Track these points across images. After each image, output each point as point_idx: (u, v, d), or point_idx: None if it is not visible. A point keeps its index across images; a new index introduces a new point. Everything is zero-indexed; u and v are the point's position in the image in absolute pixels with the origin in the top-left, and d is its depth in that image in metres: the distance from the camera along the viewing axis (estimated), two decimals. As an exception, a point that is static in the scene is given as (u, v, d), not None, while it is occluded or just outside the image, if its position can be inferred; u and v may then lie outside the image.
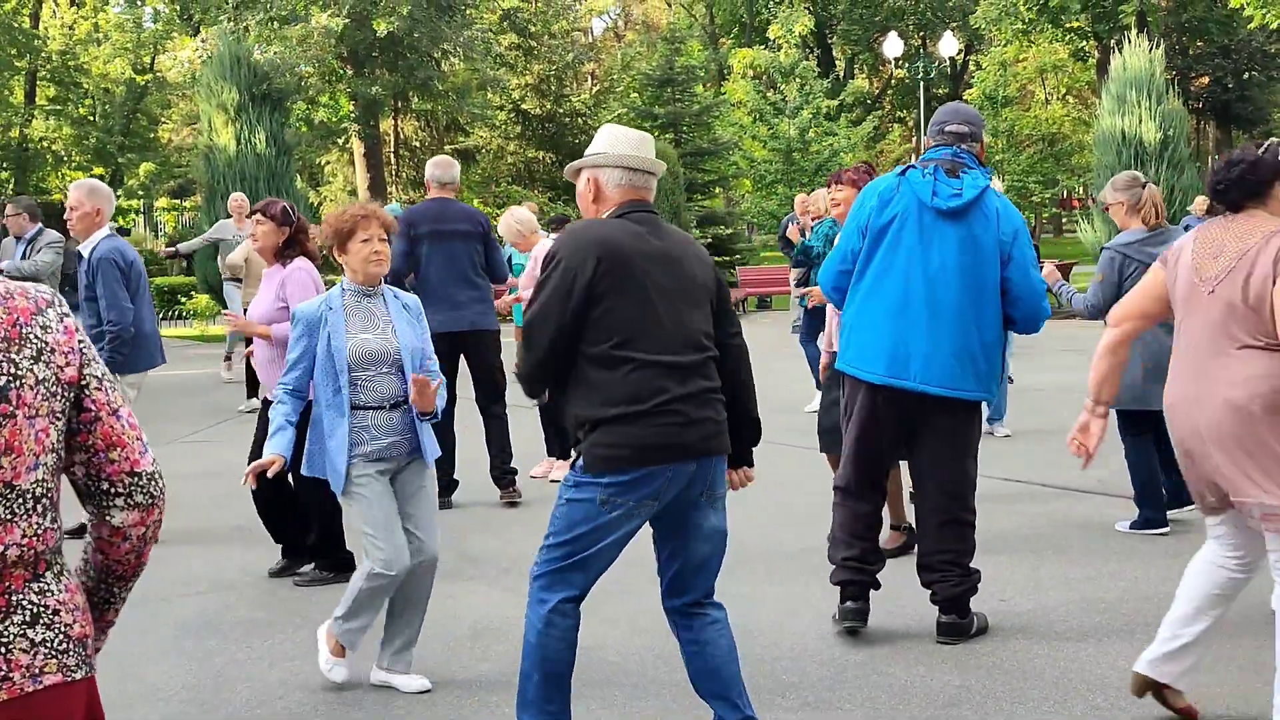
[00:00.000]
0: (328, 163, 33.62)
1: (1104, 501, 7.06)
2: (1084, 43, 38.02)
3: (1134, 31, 27.33)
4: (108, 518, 1.97)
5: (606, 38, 51.23)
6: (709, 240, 24.26)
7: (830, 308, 5.95)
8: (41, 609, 1.87)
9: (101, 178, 28.16)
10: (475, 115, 30.01)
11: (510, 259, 10.07)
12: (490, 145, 32.53)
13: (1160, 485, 6.32)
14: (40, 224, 9.69)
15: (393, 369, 4.37)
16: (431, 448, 4.46)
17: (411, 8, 25.57)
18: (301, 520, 5.90)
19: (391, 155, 32.52)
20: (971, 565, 4.83)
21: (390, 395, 4.36)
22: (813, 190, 13.27)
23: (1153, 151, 21.83)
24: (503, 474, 7.48)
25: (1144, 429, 6.19)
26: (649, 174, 3.63)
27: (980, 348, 4.67)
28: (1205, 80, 40.00)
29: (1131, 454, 6.31)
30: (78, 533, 5.33)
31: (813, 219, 9.82)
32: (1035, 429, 9.17)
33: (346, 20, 25.46)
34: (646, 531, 3.58)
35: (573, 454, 3.52)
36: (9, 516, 1.82)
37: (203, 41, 26.78)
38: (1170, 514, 6.33)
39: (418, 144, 33.37)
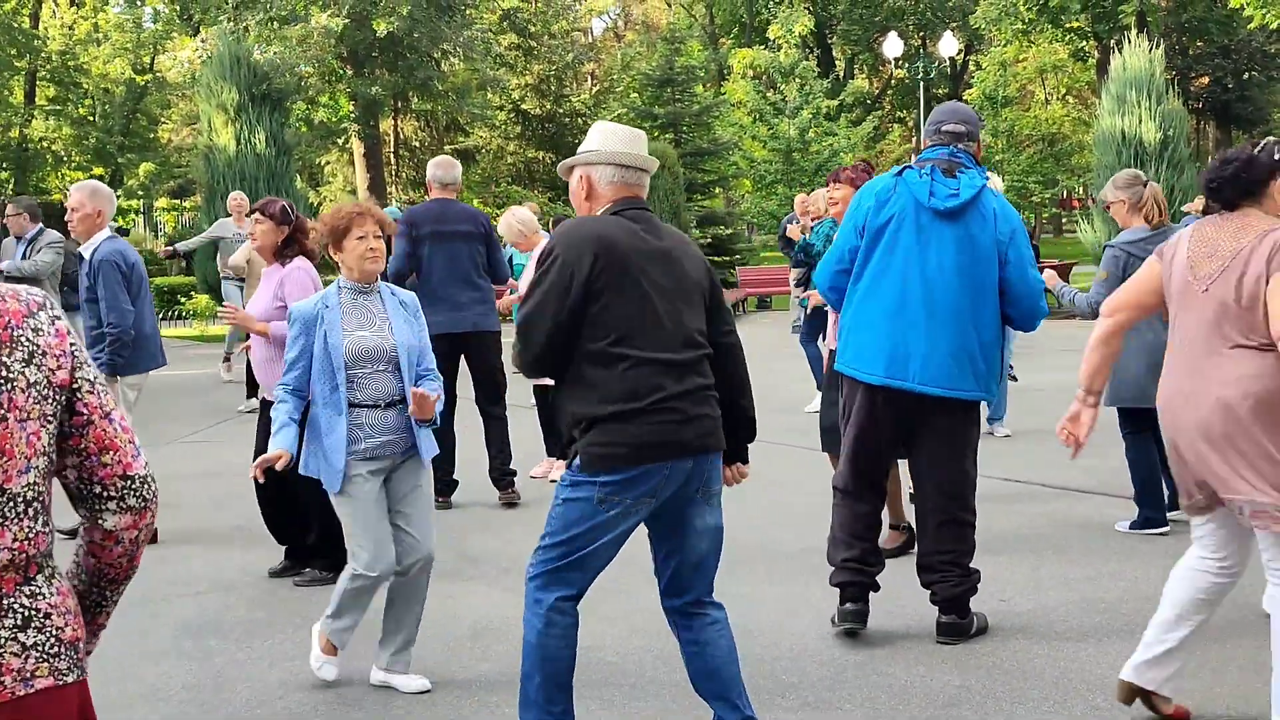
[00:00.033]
0: (327, 163, 33.64)
1: (1104, 501, 7.06)
2: (1084, 43, 38.00)
3: (1134, 31, 27.31)
4: (100, 521, 1.96)
5: (606, 38, 51.23)
6: (709, 240, 24.24)
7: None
8: (33, 612, 1.86)
9: (101, 178, 28.20)
10: (475, 115, 30.03)
11: (511, 259, 10.07)
12: (490, 145, 32.56)
13: (1160, 484, 6.32)
14: (40, 224, 9.70)
15: (389, 366, 4.37)
16: (428, 446, 4.46)
17: (411, 8, 25.57)
18: (301, 520, 5.89)
19: (391, 155, 32.54)
20: (971, 565, 4.83)
21: (386, 394, 4.35)
22: (812, 190, 13.27)
23: (1153, 151, 21.81)
24: (502, 475, 7.47)
25: (1144, 426, 6.19)
26: (642, 171, 3.63)
27: (978, 347, 4.67)
28: (1205, 80, 39.99)
29: (1131, 451, 6.31)
30: (74, 534, 5.32)
31: (812, 219, 9.82)
32: (1035, 429, 9.16)
33: (346, 20, 25.46)
34: (644, 530, 3.58)
35: (568, 453, 3.51)
36: (0, 520, 1.82)
37: (202, 41, 26.79)
38: (1170, 514, 6.33)
39: (417, 144, 33.40)
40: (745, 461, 3.79)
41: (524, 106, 32.21)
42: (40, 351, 1.87)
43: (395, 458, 4.38)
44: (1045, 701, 4.18)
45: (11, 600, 1.84)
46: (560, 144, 31.21)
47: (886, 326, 4.64)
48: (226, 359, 13.70)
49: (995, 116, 32.58)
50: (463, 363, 7.50)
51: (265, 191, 18.72)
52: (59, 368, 1.89)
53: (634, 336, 3.40)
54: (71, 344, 1.93)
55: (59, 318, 1.94)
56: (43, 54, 31.12)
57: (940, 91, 41.81)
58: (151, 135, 35.17)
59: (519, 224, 8.12)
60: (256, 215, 5.82)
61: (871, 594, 4.89)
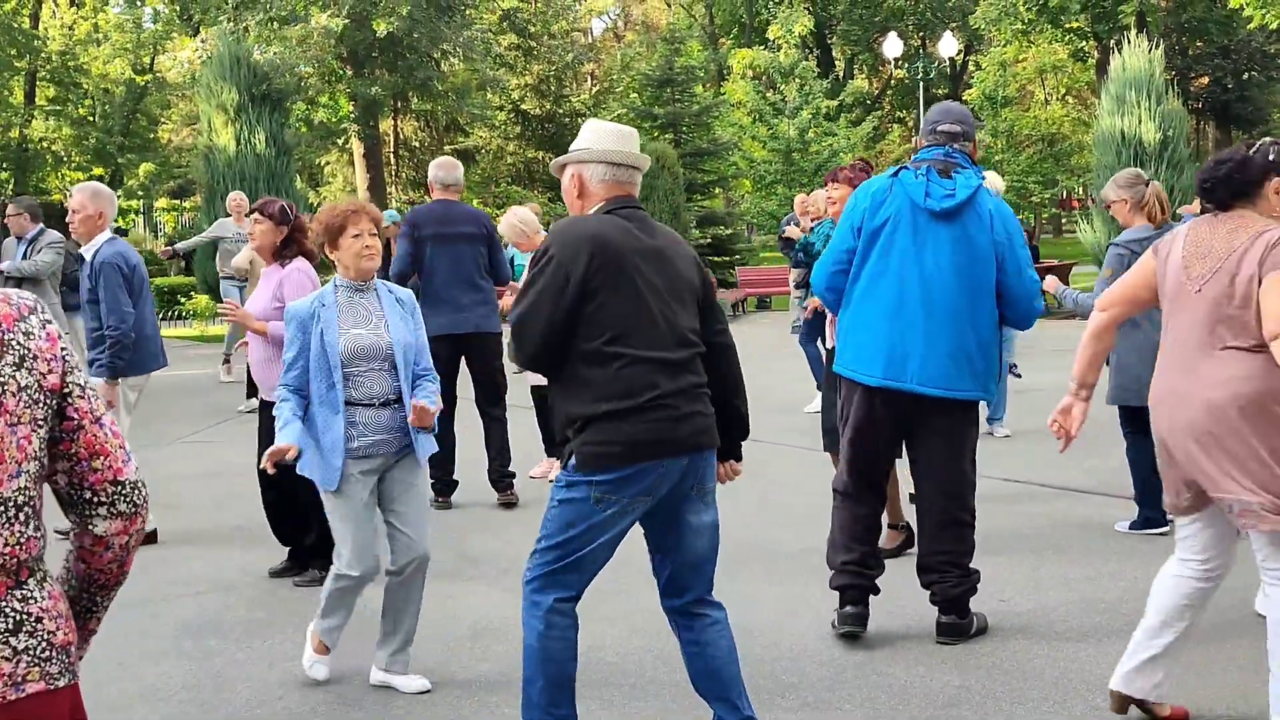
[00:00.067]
0: (327, 163, 33.67)
1: (1104, 501, 7.06)
2: (1083, 43, 38.00)
3: (1133, 32, 27.27)
4: (90, 526, 1.95)
5: (606, 38, 51.22)
6: (709, 240, 24.23)
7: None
8: (24, 617, 1.85)
9: (101, 178, 28.24)
10: (475, 115, 30.06)
11: (512, 260, 10.06)
12: (490, 145, 32.59)
13: (1160, 484, 6.31)
14: (41, 224, 9.70)
15: (385, 365, 4.36)
16: (427, 446, 4.44)
17: (411, 8, 25.59)
18: (301, 520, 5.89)
19: (391, 155, 32.56)
20: (971, 565, 4.82)
21: (381, 392, 4.34)
22: (812, 190, 13.26)
23: (1152, 152, 21.81)
24: (501, 476, 7.47)
25: (1144, 425, 6.18)
26: (633, 169, 3.62)
27: (976, 347, 4.67)
28: (1205, 80, 39.99)
29: (1132, 451, 6.31)
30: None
31: (812, 219, 9.82)
32: (1035, 429, 9.15)
33: (346, 20, 25.48)
34: (641, 530, 3.58)
35: (563, 453, 3.51)
36: None
37: (202, 42, 26.81)
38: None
39: (417, 144, 33.43)
40: (739, 459, 3.81)
41: (524, 107, 32.24)
42: (31, 355, 1.86)
43: (389, 457, 4.38)
44: (1045, 701, 4.18)
45: (3, 604, 1.84)
46: (560, 144, 31.20)
47: (884, 327, 4.64)
48: (226, 360, 13.69)
49: (995, 117, 32.59)
50: (463, 363, 7.50)
51: (265, 192, 18.72)
52: (50, 372, 1.89)
53: (629, 335, 3.40)
54: (63, 348, 1.92)
55: (50, 322, 1.93)
56: (43, 54, 31.13)
57: (940, 92, 41.80)
58: (151, 135, 35.18)
59: (520, 224, 8.10)
60: (255, 215, 5.82)
61: (871, 597, 4.89)
